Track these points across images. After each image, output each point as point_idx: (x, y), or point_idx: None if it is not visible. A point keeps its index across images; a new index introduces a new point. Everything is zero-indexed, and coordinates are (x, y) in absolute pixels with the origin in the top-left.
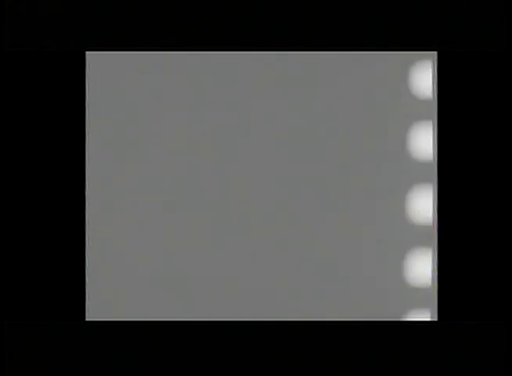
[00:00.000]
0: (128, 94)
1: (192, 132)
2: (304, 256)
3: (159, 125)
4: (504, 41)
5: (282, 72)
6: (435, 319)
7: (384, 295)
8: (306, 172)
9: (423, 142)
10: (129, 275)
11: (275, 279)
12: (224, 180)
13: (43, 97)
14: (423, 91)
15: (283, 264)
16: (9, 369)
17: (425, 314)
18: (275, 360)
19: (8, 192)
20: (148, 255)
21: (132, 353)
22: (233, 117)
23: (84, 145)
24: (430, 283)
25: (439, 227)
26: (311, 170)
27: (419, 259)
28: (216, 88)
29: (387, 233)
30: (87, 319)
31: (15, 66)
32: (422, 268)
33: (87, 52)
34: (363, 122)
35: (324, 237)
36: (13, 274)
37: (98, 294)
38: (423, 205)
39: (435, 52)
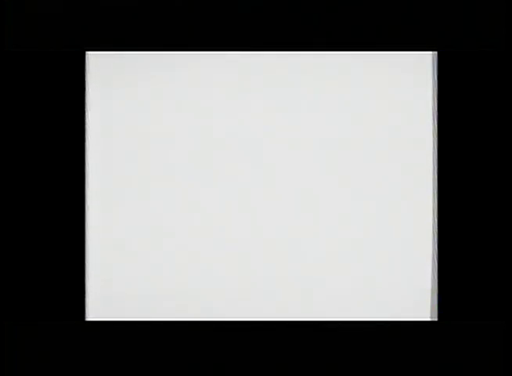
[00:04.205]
0: (128, 94)
1: (192, 132)
2: (305, 256)
3: (159, 125)
4: (504, 41)
5: (282, 72)
6: (435, 319)
7: (384, 295)
8: (306, 172)
9: (423, 142)
10: (129, 275)
11: (275, 279)
12: (225, 180)
13: (43, 97)
14: (423, 91)
15: (283, 264)
16: (9, 369)
17: (425, 314)
18: (275, 360)
19: (8, 192)
20: (148, 255)
21: (132, 353)
22: (235, 117)
23: (84, 145)
24: (430, 283)
25: (439, 227)
26: (311, 171)
27: (419, 259)
28: (216, 87)
29: (387, 232)
30: (87, 319)
31: (15, 66)
32: (422, 268)
33: (87, 52)
34: (363, 122)
35: (323, 238)
36: (13, 274)
37: (98, 294)
38: (422, 205)
39: (435, 52)
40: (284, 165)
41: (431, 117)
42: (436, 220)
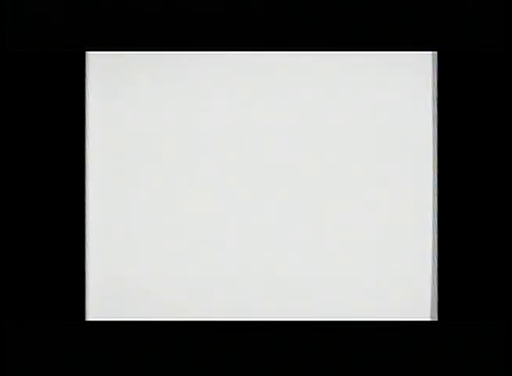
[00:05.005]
0: (128, 94)
1: (192, 132)
2: (305, 256)
3: (159, 125)
4: (504, 41)
5: (282, 73)
6: (435, 319)
7: (384, 295)
8: (306, 171)
9: (423, 142)
10: (129, 275)
11: (275, 279)
12: (226, 180)
13: (43, 97)
14: (423, 91)
15: (283, 264)
16: (9, 369)
17: (425, 314)
18: (275, 360)
19: (8, 192)
20: (148, 255)
21: (132, 353)
22: (235, 118)
23: (84, 145)
24: (430, 283)
25: (439, 227)
26: (311, 169)
27: (419, 259)
28: (216, 88)
29: (387, 232)
30: (87, 320)
31: (15, 66)
32: (422, 268)
33: (87, 52)
34: (363, 122)
35: (323, 237)
36: (13, 274)
37: (98, 294)
38: (422, 204)
39: (435, 52)
40: (284, 165)
41: (431, 117)
42: (436, 220)
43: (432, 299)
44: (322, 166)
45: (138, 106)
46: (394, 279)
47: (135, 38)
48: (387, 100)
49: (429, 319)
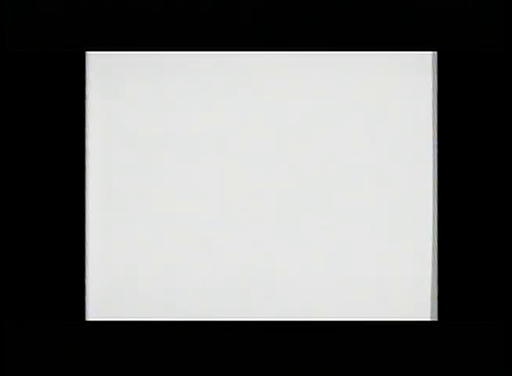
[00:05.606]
0: (128, 94)
1: (192, 132)
2: (304, 256)
3: (159, 125)
4: (504, 41)
5: (282, 72)
6: (435, 319)
7: (383, 295)
8: (305, 171)
9: (423, 142)
10: (129, 275)
11: (275, 279)
12: (226, 182)
13: (43, 97)
14: (423, 91)
15: (283, 264)
16: (9, 369)
17: (425, 314)
18: (275, 360)
19: (8, 192)
20: (148, 255)
21: (132, 353)
22: (235, 118)
23: (84, 145)
24: (430, 283)
25: (439, 227)
26: (311, 168)
27: (419, 259)
28: (217, 88)
29: (387, 232)
30: (87, 320)
31: (15, 66)
32: (422, 268)
33: (87, 52)
34: (362, 122)
35: (323, 237)
36: (13, 274)
37: (98, 294)
38: (422, 204)
39: (435, 52)
40: (284, 165)
41: (431, 117)
42: (436, 220)
43: (432, 299)
44: (322, 166)
45: (139, 106)
46: (394, 279)
47: (135, 38)
48: (387, 100)
49: (429, 319)
